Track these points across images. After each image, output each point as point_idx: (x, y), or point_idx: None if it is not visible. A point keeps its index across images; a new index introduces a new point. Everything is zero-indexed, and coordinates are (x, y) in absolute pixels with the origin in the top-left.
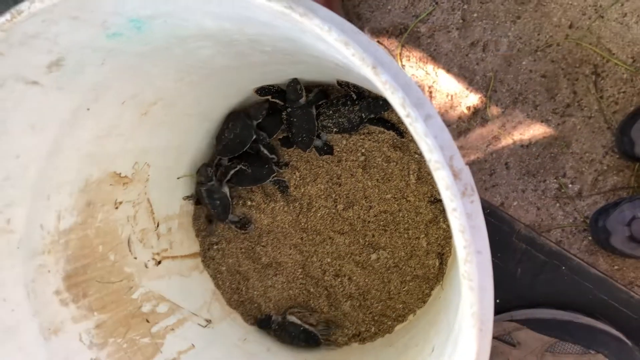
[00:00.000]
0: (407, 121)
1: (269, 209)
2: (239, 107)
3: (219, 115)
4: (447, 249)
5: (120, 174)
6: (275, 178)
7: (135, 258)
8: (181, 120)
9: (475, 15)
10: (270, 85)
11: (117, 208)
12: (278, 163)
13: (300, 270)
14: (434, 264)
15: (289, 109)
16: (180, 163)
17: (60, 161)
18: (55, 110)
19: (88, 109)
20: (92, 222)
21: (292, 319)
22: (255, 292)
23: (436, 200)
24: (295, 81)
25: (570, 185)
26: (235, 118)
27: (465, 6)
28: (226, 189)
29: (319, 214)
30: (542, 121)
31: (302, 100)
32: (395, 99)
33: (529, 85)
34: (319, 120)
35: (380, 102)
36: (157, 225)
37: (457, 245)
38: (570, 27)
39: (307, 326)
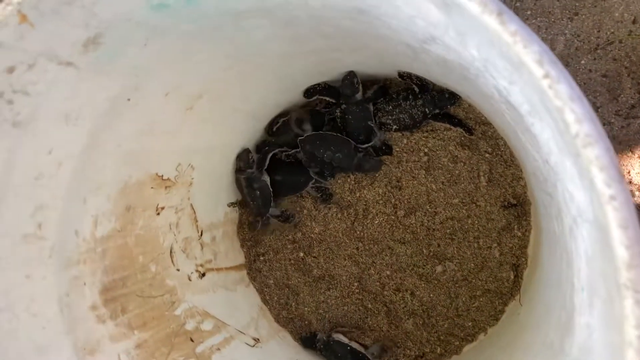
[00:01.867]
0: (544, 83)
1: (320, 216)
2: (290, 108)
3: (267, 114)
4: (523, 259)
5: (162, 176)
6: (316, 185)
7: (178, 270)
8: (227, 118)
9: (528, 12)
10: (316, 85)
11: (158, 214)
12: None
13: (356, 284)
14: (508, 276)
15: (344, 106)
16: (226, 166)
17: (97, 158)
18: (93, 98)
19: (129, 99)
20: (132, 229)
21: (339, 337)
22: (306, 308)
23: (510, 205)
24: (351, 74)
25: (637, 194)
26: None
27: (518, 4)
28: (266, 178)
29: (376, 221)
30: (604, 124)
31: (359, 95)
32: (529, 55)
33: (589, 86)
34: (377, 117)
35: (446, 95)
36: (201, 234)
37: (614, 245)
38: (634, 22)
39: (355, 345)
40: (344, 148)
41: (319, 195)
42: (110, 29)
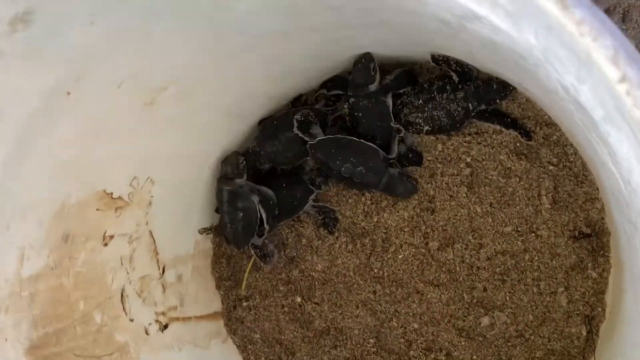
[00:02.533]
0: (620, 89)
1: (324, 248)
2: (282, 104)
3: (255, 110)
4: (599, 309)
5: (111, 194)
6: (319, 205)
7: (132, 320)
8: (201, 116)
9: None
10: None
11: (106, 245)
12: (315, 182)
13: (372, 340)
14: (579, 332)
15: (352, 99)
16: (197, 179)
17: (25, 171)
18: (20, 93)
19: (68, 93)
20: (71, 266)
21: None
22: None
23: (582, 236)
24: (367, 57)
25: None
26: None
27: None
28: (256, 198)
29: (400, 256)
30: None
31: (374, 86)
32: (600, 50)
33: None
34: (402, 115)
35: (495, 86)
36: (163, 271)
37: None
38: None
39: None
40: (370, 160)
41: (320, 218)
42: (45, 2)
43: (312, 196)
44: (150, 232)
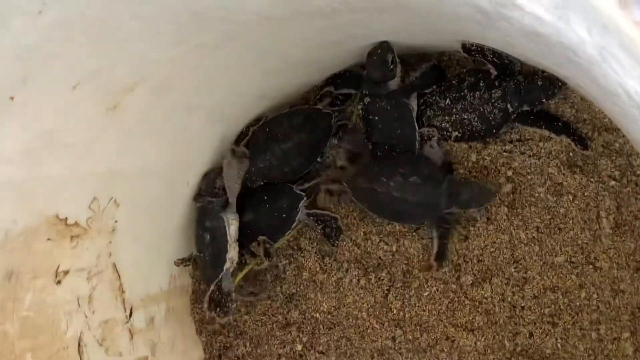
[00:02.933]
0: None
1: (331, 283)
2: (272, 106)
3: (245, 114)
4: None
5: (65, 219)
6: (313, 212)
7: None
8: (178, 121)
9: None
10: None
11: (59, 282)
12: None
13: None
14: None
15: (368, 99)
16: (174, 200)
17: None
18: None
19: (11, 98)
20: (15, 309)
21: None
22: None
23: None
24: (384, 47)
25: None
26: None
27: None
28: (231, 218)
29: (426, 293)
30: None
31: (394, 83)
32: None
33: None
34: (425, 118)
35: (540, 82)
36: (130, 314)
37: None
38: None
39: None
40: (423, 166)
41: (319, 228)
42: None
43: (303, 202)
44: (114, 266)
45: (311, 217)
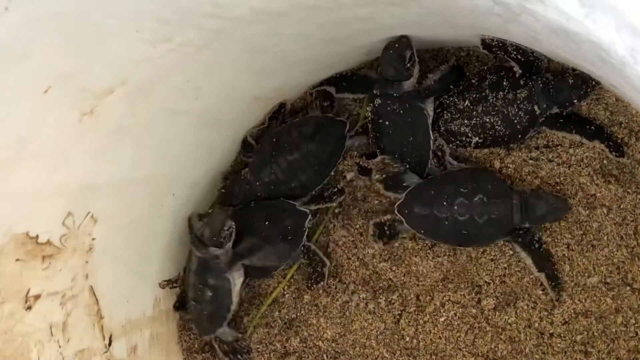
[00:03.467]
0: None
1: (335, 307)
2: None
3: (239, 116)
4: None
5: (36, 237)
6: (309, 247)
7: None
8: (162, 126)
9: None
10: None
11: (29, 308)
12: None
13: None
14: None
15: (379, 100)
16: (158, 215)
17: None
18: None
19: None
20: None
21: None
22: None
23: None
24: (402, 42)
25: None
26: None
27: None
28: (237, 277)
29: (442, 319)
30: None
31: (409, 84)
32: None
33: None
34: (441, 121)
35: (571, 81)
36: (109, 343)
37: None
38: None
39: None
40: (485, 182)
41: (305, 263)
42: None
43: (308, 221)
44: (92, 289)
45: (303, 250)
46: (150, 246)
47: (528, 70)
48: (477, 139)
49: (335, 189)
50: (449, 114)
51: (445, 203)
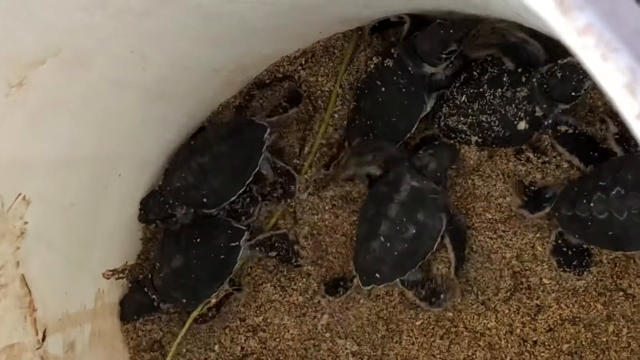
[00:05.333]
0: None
1: (299, 305)
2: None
3: (195, 89)
4: None
5: None
6: (259, 239)
7: None
8: (103, 99)
9: None
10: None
11: None
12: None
13: None
14: None
15: (390, 62)
16: (102, 197)
17: None
18: None
19: None
20: None
21: None
22: None
23: None
24: (458, 33)
25: None
26: (227, 127)
27: None
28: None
29: (418, 323)
30: None
31: (428, 71)
32: (612, 76)
33: None
34: (439, 115)
35: (559, 75)
36: (43, 338)
37: None
38: None
39: None
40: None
41: (273, 256)
42: None
43: (245, 237)
44: (23, 278)
45: (257, 249)
46: (92, 232)
47: (519, 62)
48: (476, 137)
49: (248, 199)
50: (447, 108)
51: (599, 200)
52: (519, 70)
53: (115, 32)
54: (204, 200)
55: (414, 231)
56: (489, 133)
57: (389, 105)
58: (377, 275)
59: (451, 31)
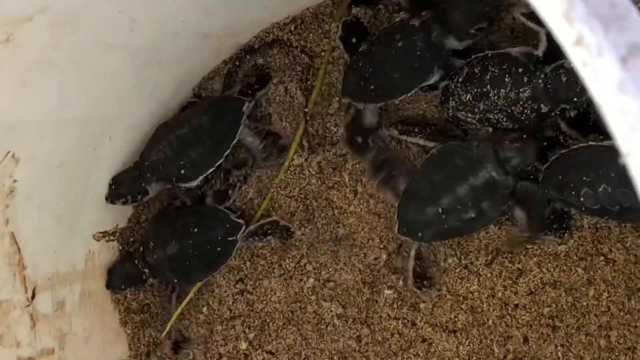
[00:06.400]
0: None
1: (284, 264)
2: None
3: (186, 54)
4: None
5: None
6: (247, 231)
7: None
8: (92, 62)
9: None
10: None
11: None
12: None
13: None
14: None
15: (417, 22)
16: (93, 158)
17: None
18: None
19: None
20: None
21: None
22: None
23: None
24: (489, 12)
25: None
26: (206, 103)
27: None
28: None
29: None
30: None
31: (451, 44)
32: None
33: None
34: (447, 106)
35: (564, 79)
36: (33, 296)
37: None
38: None
39: None
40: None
41: (266, 242)
42: None
43: (241, 233)
44: (12, 235)
45: (250, 239)
46: (82, 195)
47: (528, 60)
48: (485, 129)
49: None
50: (454, 102)
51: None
52: (520, 70)
53: None
54: (182, 172)
55: (473, 216)
56: (498, 126)
57: (398, 61)
58: (419, 234)
59: (486, 8)
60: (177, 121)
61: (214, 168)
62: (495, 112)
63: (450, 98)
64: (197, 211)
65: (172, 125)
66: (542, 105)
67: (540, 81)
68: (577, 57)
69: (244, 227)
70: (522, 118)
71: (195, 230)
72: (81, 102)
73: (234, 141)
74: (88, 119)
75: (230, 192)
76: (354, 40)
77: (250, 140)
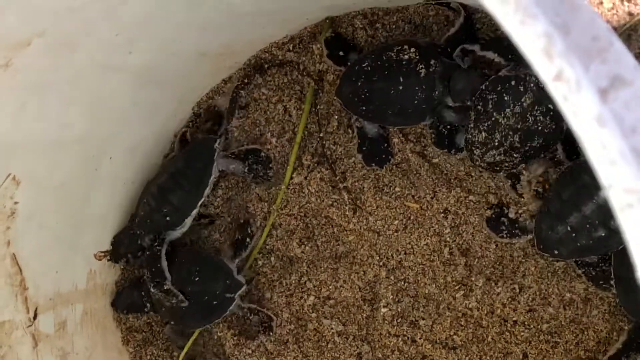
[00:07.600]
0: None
1: (286, 280)
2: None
3: (184, 73)
4: None
5: None
6: (248, 306)
7: None
8: (91, 83)
9: None
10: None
11: None
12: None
13: None
14: None
15: (417, 64)
16: (93, 178)
17: None
18: None
19: None
20: None
21: None
22: None
23: None
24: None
25: None
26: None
27: None
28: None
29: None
30: None
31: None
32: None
33: None
34: (476, 156)
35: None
36: (34, 316)
37: None
38: None
39: None
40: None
41: (249, 321)
42: None
43: (241, 291)
44: (14, 257)
45: (244, 310)
46: (83, 214)
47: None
48: (518, 159)
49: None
50: (477, 150)
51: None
52: (512, 82)
53: (99, 15)
54: (167, 219)
55: (603, 234)
56: (527, 149)
57: (395, 101)
58: (556, 252)
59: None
60: (158, 173)
61: (197, 208)
62: (512, 134)
63: (472, 148)
64: (204, 259)
65: (155, 177)
66: (549, 105)
67: (532, 85)
68: (558, 92)
69: (244, 287)
70: (540, 128)
71: (197, 279)
72: (81, 123)
73: (212, 177)
74: (88, 139)
75: (247, 240)
76: (340, 53)
77: (233, 167)
